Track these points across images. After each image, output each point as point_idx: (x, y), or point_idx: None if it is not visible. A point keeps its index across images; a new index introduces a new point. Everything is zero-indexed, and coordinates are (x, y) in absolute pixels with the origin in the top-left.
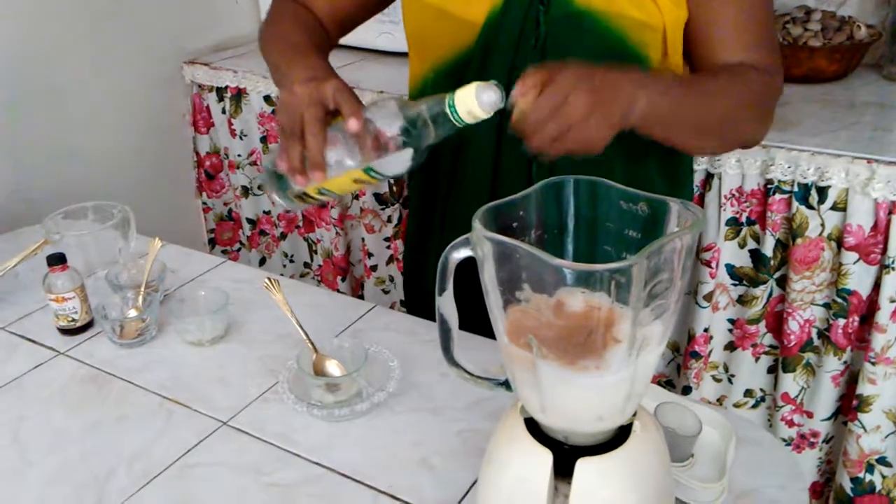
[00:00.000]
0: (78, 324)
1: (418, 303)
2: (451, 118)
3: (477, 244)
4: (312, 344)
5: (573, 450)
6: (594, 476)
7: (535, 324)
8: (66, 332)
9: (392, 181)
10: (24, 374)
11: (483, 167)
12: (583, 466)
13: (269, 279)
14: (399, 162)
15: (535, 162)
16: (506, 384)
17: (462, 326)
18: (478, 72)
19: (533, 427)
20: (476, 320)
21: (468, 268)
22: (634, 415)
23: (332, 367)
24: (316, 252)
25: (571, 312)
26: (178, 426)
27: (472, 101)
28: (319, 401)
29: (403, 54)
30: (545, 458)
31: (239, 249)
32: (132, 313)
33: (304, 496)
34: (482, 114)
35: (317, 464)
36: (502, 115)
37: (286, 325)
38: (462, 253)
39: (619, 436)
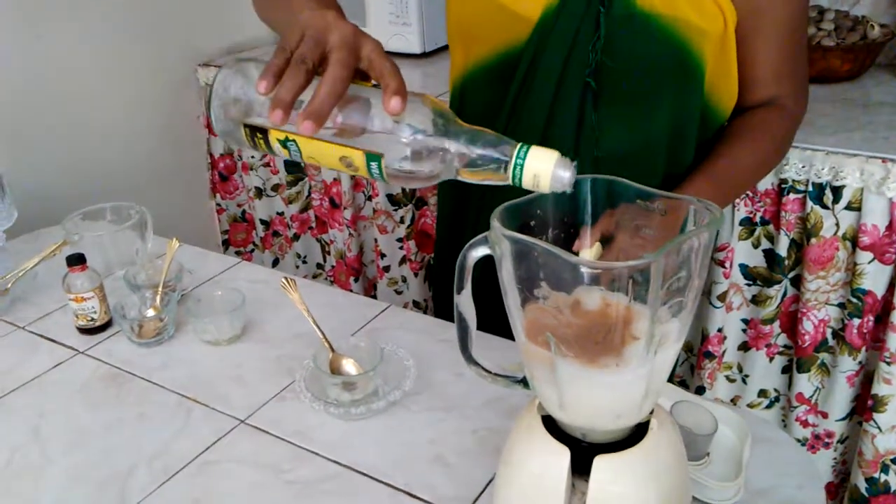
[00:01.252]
0: (97, 323)
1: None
2: (510, 174)
3: (495, 243)
4: (329, 343)
5: (591, 447)
6: (612, 473)
7: (554, 322)
8: (85, 331)
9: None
10: (45, 372)
11: None
12: (600, 464)
13: (285, 279)
14: (411, 171)
15: (577, 159)
16: (523, 381)
17: (479, 327)
18: (527, 70)
19: (550, 424)
20: (493, 320)
21: (486, 266)
22: (651, 412)
23: (349, 366)
24: (329, 253)
25: (590, 310)
26: (197, 424)
27: (546, 172)
28: (336, 399)
29: (416, 55)
30: (563, 455)
31: (252, 250)
32: (150, 313)
33: (322, 493)
34: (546, 188)
35: (334, 461)
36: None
37: (302, 325)
38: (480, 251)
39: (637, 433)
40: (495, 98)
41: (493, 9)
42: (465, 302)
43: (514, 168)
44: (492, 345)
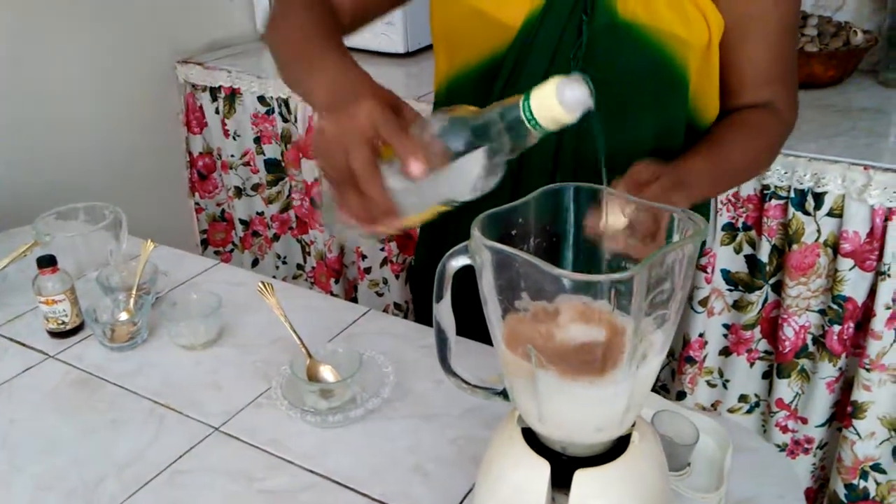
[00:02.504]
0: (68, 326)
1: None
2: (528, 125)
3: (475, 252)
4: (306, 349)
5: (571, 460)
6: (592, 487)
7: (535, 333)
8: (55, 334)
9: None
10: (14, 377)
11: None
12: (581, 478)
13: (262, 283)
14: (480, 181)
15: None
16: (503, 394)
17: (459, 333)
18: (509, 77)
19: (530, 437)
20: (474, 326)
21: (466, 273)
22: (633, 425)
23: (326, 373)
24: (309, 254)
25: (571, 322)
26: (170, 432)
27: (554, 103)
28: (313, 407)
29: (400, 55)
30: (543, 468)
31: (232, 250)
32: (123, 316)
33: (297, 503)
34: (567, 117)
35: (309, 471)
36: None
37: (280, 329)
38: (460, 261)
39: (618, 446)
40: (479, 104)
41: (475, 15)
42: (444, 311)
43: (531, 123)
44: (471, 349)
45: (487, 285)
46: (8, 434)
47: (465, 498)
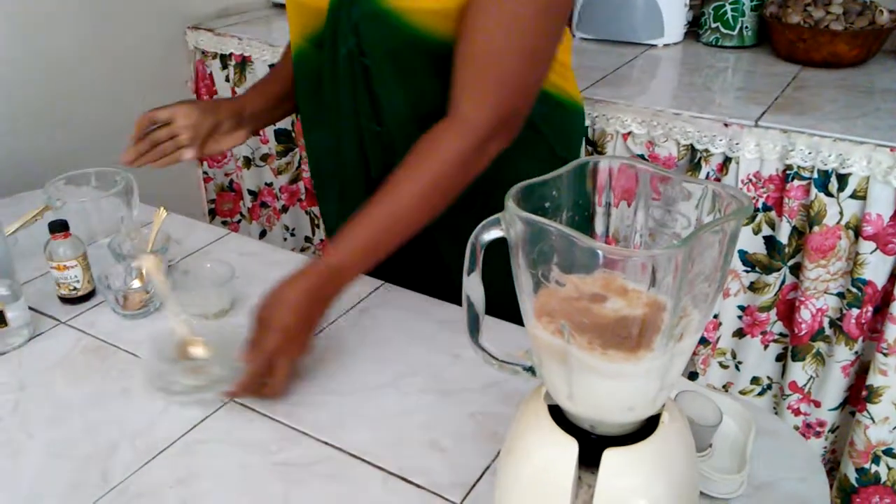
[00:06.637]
0: (80, 293)
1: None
2: None
3: (509, 224)
4: (188, 325)
5: (600, 439)
6: (621, 467)
7: (568, 309)
8: (67, 300)
9: None
10: (24, 343)
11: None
12: (610, 457)
13: None
14: None
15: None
16: (531, 370)
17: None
18: (332, 50)
19: (557, 415)
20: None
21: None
22: (663, 405)
23: (198, 350)
24: (318, 226)
25: (607, 298)
26: (183, 402)
27: None
28: (178, 382)
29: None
30: (571, 447)
31: (239, 221)
32: (135, 284)
33: (312, 476)
34: None
35: (325, 443)
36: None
37: None
38: (493, 233)
39: (647, 426)
40: (318, 68)
41: (297, 3)
42: (474, 285)
43: None
44: (490, 325)
45: (520, 258)
46: (19, 400)
47: (483, 473)
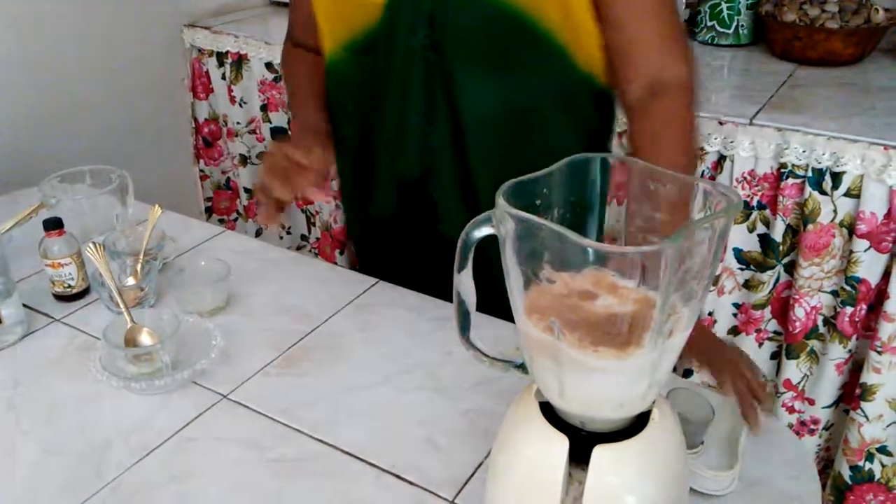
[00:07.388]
0: (74, 290)
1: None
2: None
3: (500, 221)
4: (129, 313)
5: (590, 436)
6: (611, 464)
7: (559, 306)
8: (61, 298)
9: None
10: (18, 340)
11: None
12: (600, 453)
13: None
14: None
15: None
16: (522, 367)
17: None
18: (386, 51)
19: (548, 411)
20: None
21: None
22: (653, 402)
23: (145, 338)
24: (314, 224)
25: (597, 295)
26: (178, 399)
27: None
28: (123, 370)
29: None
30: (561, 444)
31: (236, 219)
32: (130, 281)
33: (305, 473)
34: None
35: (318, 440)
36: None
37: (289, 298)
38: (483, 231)
39: (637, 423)
40: (365, 77)
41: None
42: (465, 282)
43: None
44: (482, 323)
45: (511, 256)
46: (13, 397)
47: (476, 470)
